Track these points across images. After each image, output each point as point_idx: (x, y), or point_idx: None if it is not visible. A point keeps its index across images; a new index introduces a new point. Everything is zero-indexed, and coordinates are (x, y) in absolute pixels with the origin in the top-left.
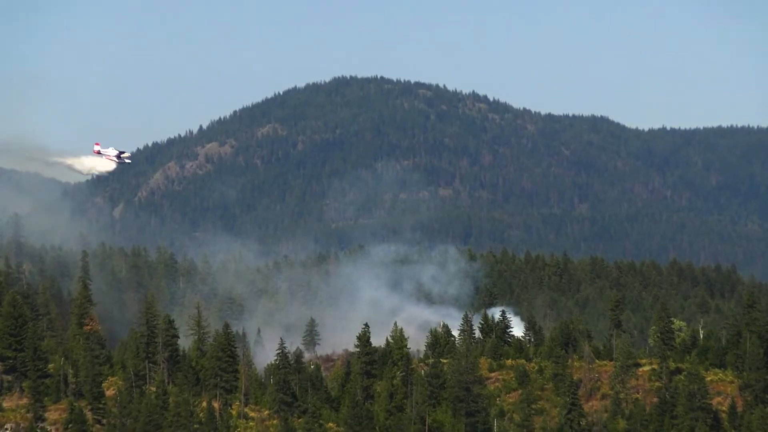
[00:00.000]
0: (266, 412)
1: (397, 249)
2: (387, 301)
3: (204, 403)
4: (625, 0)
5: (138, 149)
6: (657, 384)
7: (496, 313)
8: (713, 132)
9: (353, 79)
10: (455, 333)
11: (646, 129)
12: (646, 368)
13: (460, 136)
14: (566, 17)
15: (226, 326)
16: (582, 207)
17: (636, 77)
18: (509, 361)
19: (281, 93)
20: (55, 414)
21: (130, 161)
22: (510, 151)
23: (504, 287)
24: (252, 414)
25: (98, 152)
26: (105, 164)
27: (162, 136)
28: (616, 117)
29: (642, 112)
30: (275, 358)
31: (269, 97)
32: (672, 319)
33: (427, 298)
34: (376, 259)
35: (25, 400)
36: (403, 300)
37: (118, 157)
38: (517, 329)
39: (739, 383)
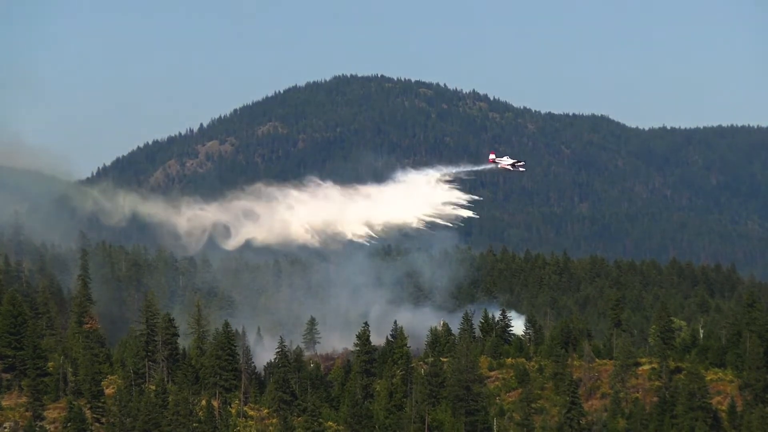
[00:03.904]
0: (266, 410)
1: (397, 246)
2: (385, 299)
3: (203, 402)
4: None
5: (138, 147)
6: (657, 383)
7: (492, 308)
8: (713, 131)
9: (354, 77)
10: (454, 331)
11: (647, 128)
12: (646, 367)
13: (460, 135)
14: (566, 17)
15: (226, 325)
16: (582, 206)
17: (636, 77)
18: (509, 360)
19: (282, 91)
20: (54, 413)
21: (524, 169)
22: (510, 150)
23: (504, 286)
24: (251, 413)
25: (493, 161)
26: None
27: (162, 134)
28: (616, 116)
29: (642, 111)
30: (275, 356)
31: (270, 95)
32: (672, 318)
33: (426, 296)
34: (376, 256)
35: (24, 399)
36: (402, 297)
37: (513, 165)
38: (517, 328)
39: (739, 383)
